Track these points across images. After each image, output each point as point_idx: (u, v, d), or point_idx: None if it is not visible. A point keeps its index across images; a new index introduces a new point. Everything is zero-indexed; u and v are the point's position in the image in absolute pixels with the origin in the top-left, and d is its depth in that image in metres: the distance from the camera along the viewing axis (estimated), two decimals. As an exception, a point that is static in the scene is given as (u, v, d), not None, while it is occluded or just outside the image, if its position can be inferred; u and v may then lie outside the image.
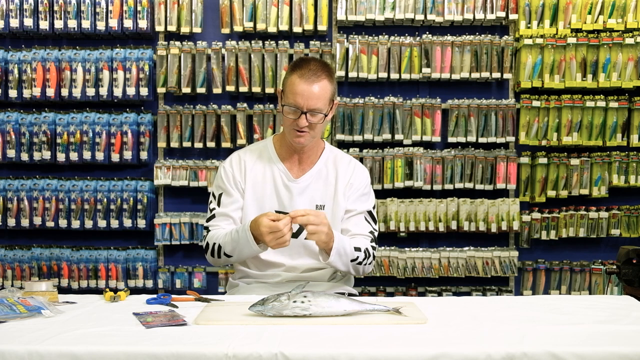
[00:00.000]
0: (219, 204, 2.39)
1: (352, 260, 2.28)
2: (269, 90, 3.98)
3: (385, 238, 4.04)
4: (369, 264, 2.36)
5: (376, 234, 2.43)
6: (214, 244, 2.33)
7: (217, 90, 4.04)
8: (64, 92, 4.03)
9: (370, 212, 2.42)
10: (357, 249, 2.30)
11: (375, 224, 2.43)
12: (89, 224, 4.04)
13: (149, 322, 1.74)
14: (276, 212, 2.28)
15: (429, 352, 1.50)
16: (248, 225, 2.20)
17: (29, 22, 4.01)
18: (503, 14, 3.99)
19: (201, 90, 4.05)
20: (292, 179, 2.39)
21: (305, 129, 2.28)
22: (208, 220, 2.40)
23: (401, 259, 4.01)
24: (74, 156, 4.04)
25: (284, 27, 3.99)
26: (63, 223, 4.04)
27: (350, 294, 2.36)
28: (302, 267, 2.37)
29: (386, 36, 4.01)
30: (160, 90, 4.05)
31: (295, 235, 2.32)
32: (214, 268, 4.14)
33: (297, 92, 2.25)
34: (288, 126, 2.31)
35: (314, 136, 2.33)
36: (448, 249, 4.05)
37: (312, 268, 2.38)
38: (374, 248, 2.38)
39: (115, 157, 4.04)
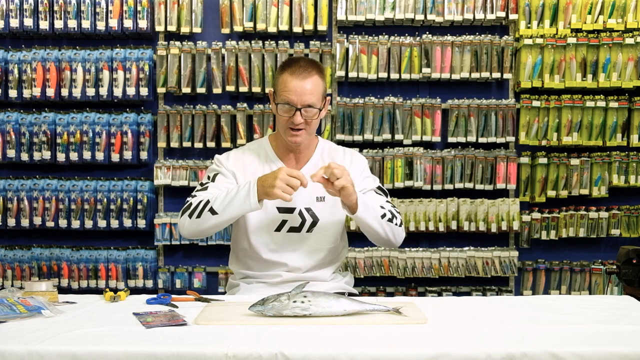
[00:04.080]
0: (213, 181, 2.33)
1: (381, 217, 2.25)
2: (269, 90, 3.98)
3: (385, 238, 4.03)
4: (400, 225, 2.32)
5: (393, 204, 2.36)
6: (201, 201, 2.21)
7: (217, 90, 4.04)
8: (64, 92, 4.03)
9: (379, 187, 2.41)
10: (381, 207, 2.27)
11: (388, 197, 2.40)
12: (89, 224, 4.04)
13: (149, 322, 1.74)
14: (277, 208, 2.30)
15: (429, 352, 1.50)
16: (256, 178, 2.15)
17: (29, 22, 4.01)
18: (503, 14, 3.99)
19: (201, 90, 4.05)
20: None
21: (301, 126, 2.27)
22: (198, 191, 2.29)
23: (401, 259, 4.01)
24: (74, 156, 4.04)
25: (284, 27, 3.99)
26: (63, 223, 4.04)
27: (350, 294, 2.36)
28: (305, 267, 2.36)
29: (386, 36, 4.01)
30: (160, 90, 4.05)
31: (298, 229, 2.32)
32: (214, 268, 4.14)
33: (290, 90, 2.25)
34: (283, 126, 2.30)
35: (310, 133, 2.33)
36: (448, 249, 4.05)
37: (313, 268, 2.38)
38: (397, 212, 2.34)
39: (115, 157, 4.04)
